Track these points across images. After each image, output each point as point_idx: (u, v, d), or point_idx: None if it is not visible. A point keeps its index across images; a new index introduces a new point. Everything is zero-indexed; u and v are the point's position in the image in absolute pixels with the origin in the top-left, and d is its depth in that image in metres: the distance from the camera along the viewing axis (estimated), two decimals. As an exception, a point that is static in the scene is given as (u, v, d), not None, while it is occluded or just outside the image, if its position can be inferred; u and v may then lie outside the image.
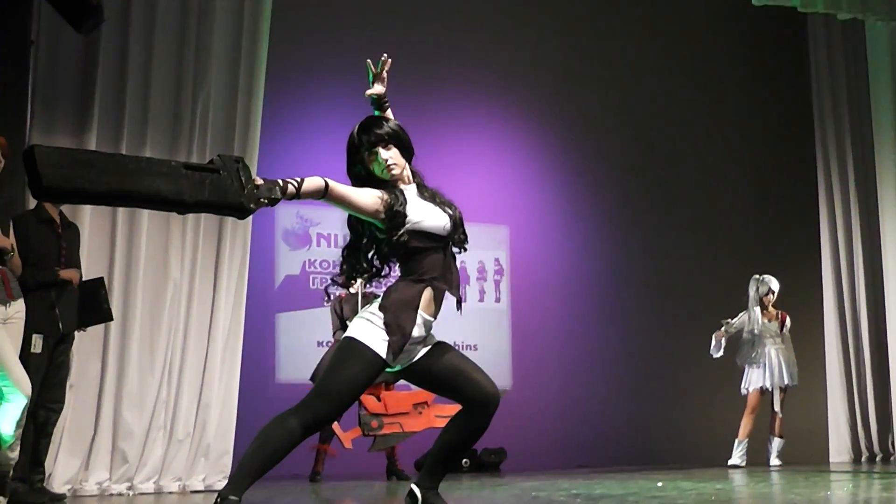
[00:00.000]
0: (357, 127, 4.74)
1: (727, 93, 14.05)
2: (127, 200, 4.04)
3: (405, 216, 4.51)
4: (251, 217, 8.53)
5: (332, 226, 12.10)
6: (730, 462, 11.00)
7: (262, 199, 4.17)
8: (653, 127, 13.61)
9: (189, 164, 4.15)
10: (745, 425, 11.16)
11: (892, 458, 11.71)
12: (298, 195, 4.27)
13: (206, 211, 4.27)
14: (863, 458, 12.06)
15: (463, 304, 4.73)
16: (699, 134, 13.81)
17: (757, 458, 11.17)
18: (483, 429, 4.63)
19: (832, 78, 12.65)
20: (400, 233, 4.49)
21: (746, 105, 14.07)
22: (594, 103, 13.35)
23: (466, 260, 12.57)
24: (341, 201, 4.42)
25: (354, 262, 4.70)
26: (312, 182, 4.29)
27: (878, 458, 11.98)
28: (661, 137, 13.63)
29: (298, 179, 4.25)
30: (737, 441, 11.10)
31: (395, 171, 4.67)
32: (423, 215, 4.55)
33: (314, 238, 12.09)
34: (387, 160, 4.65)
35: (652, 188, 13.49)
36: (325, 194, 4.34)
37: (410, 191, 4.64)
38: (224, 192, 4.10)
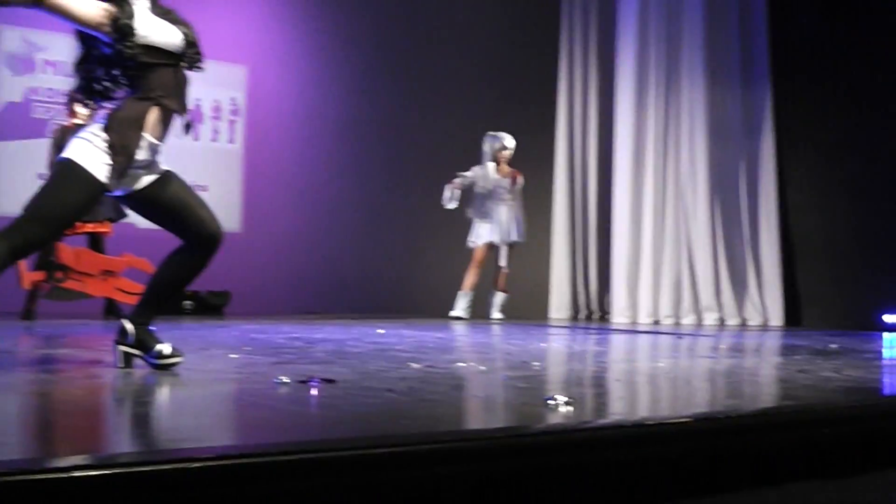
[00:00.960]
0: None
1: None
2: None
3: (133, 29, 4.23)
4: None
5: (61, 52, 11.56)
6: (452, 313, 11.15)
7: None
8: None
9: None
10: (470, 277, 11.31)
11: (607, 317, 12.11)
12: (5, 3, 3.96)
13: None
14: (580, 316, 12.45)
15: (192, 129, 4.51)
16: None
17: (480, 312, 11.37)
18: (202, 267, 4.46)
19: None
20: (128, 45, 4.20)
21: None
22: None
23: (201, 98, 12.23)
24: (58, 10, 4.11)
25: (86, 76, 4.33)
26: None
27: (594, 317, 12.38)
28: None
29: None
30: (461, 293, 11.25)
31: None
32: (153, 30, 4.28)
33: (39, 64, 11.54)
34: None
35: (396, 39, 13.35)
36: (37, 1, 4.03)
37: (142, 5, 4.35)
38: None
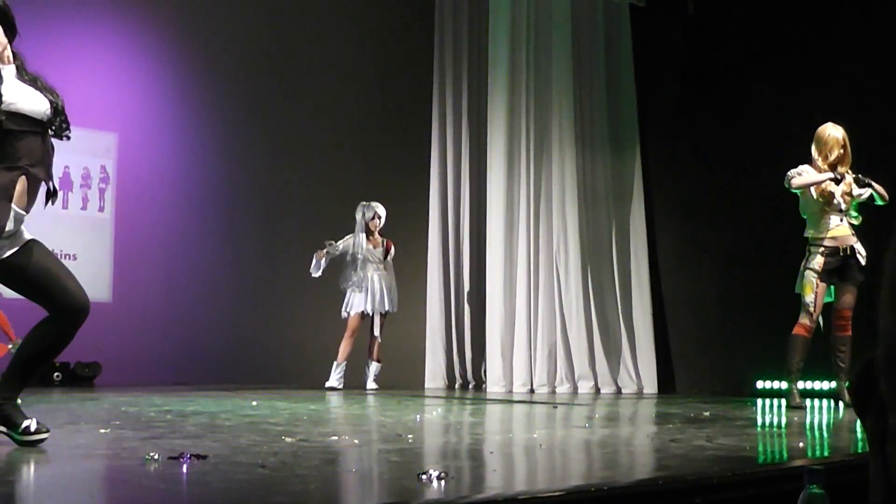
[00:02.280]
0: None
1: (347, 16, 14.02)
2: None
3: (0, 96, 4.14)
4: None
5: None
6: (327, 384, 11.07)
7: None
8: (270, 41, 13.41)
9: None
10: (344, 348, 11.26)
11: (483, 386, 12.12)
12: None
13: None
14: (456, 385, 12.44)
15: (55, 198, 4.41)
16: (316, 57, 13.71)
17: (355, 382, 11.30)
18: (68, 338, 4.35)
19: (455, 13, 12.96)
20: None
21: (369, 28, 14.08)
22: (213, 11, 13.03)
23: (70, 166, 12.05)
24: None
25: None
26: None
27: (470, 386, 12.39)
28: (281, 53, 13.46)
29: None
30: (335, 363, 11.19)
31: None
32: (20, 97, 4.19)
33: None
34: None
35: (267, 106, 13.31)
36: None
37: (9, 71, 4.28)
38: None
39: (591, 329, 11.85)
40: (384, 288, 11.33)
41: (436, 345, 12.55)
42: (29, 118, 4.22)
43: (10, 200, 4.15)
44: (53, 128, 4.34)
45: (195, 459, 3.74)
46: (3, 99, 4.13)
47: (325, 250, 11.25)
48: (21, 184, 4.18)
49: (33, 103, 4.24)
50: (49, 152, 4.34)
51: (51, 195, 4.38)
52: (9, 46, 4.35)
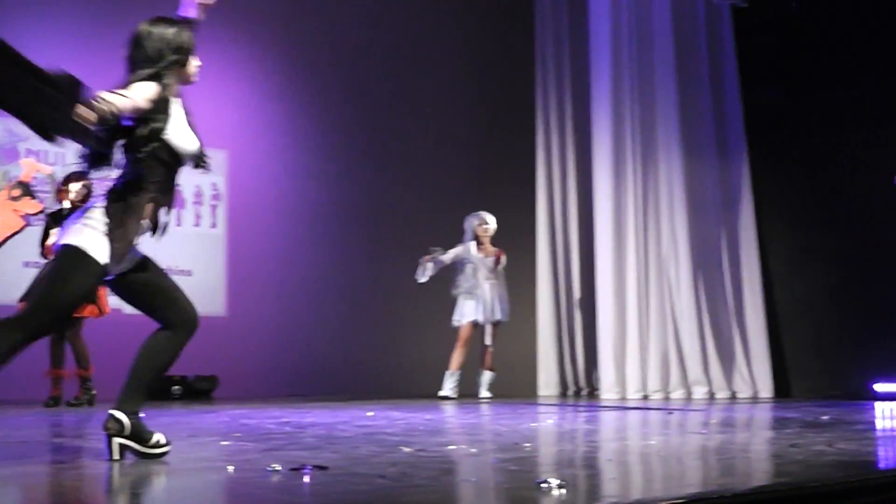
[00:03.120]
0: (188, 24, 4.57)
1: (450, 29, 14.07)
2: None
3: (162, 134, 4.32)
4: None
5: (42, 142, 11.60)
6: (441, 393, 11.12)
7: (71, 132, 4.09)
8: (377, 57, 13.53)
9: (39, 71, 4.02)
10: (457, 357, 11.30)
11: (596, 393, 12.07)
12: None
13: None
14: (569, 392, 12.42)
15: (166, 230, 4.52)
16: (420, 70, 13.79)
17: (467, 391, 11.34)
18: (179, 351, 4.46)
19: (555, 22, 12.95)
20: (153, 142, 4.29)
21: (470, 42, 14.13)
22: (320, 29, 13.18)
23: (183, 184, 12.25)
24: (130, 112, 4.22)
25: (98, 141, 4.29)
26: (124, 102, 4.12)
27: (583, 393, 12.35)
28: (386, 69, 13.56)
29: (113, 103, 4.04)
30: (448, 373, 11.23)
31: (196, 80, 4.59)
32: (180, 135, 4.39)
33: (22, 153, 11.57)
34: (198, 68, 4.60)
35: (373, 120, 13.42)
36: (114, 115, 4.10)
37: (177, 107, 4.42)
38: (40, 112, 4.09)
39: (704, 334, 11.75)
40: (495, 297, 11.35)
41: (548, 352, 12.55)
42: (177, 154, 4.38)
43: (141, 218, 4.31)
44: (199, 162, 4.50)
45: (316, 471, 3.79)
46: (167, 135, 4.33)
47: (430, 256, 11.31)
48: (149, 207, 4.33)
49: (188, 143, 4.42)
50: (174, 179, 4.47)
51: (162, 229, 4.49)
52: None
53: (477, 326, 11.35)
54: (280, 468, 3.81)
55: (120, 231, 4.26)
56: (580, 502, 3.20)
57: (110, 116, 4.03)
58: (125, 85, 4.30)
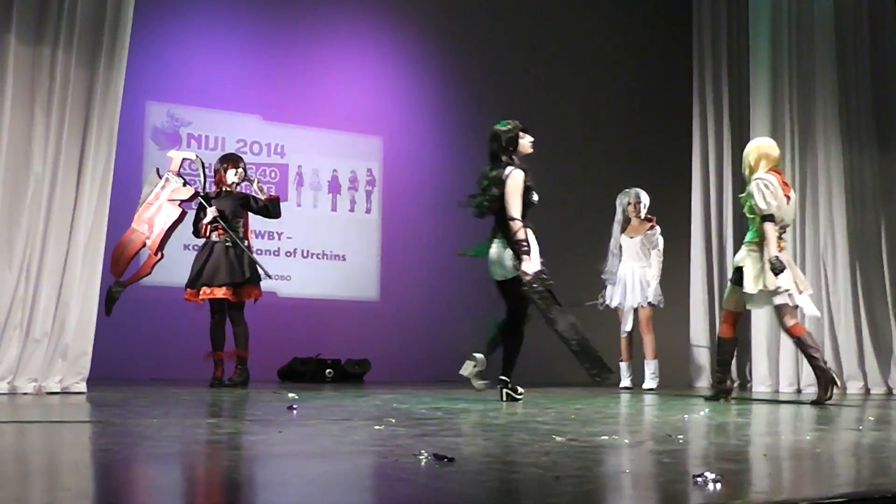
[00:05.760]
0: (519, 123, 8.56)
1: (606, 8, 14.02)
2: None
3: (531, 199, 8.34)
4: (118, 112, 8.36)
5: (204, 126, 11.89)
6: (620, 384, 11.21)
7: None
8: (530, 39, 13.54)
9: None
10: (624, 345, 11.35)
11: (748, 386, 11.94)
12: None
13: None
14: (720, 384, 12.28)
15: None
16: (574, 57, 13.77)
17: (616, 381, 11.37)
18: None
19: (713, 12, 12.79)
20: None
21: (625, 20, 14.07)
22: (472, 15, 13.24)
23: (339, 170, 12.44)
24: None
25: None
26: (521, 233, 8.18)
27: (736, 385, 12.21)
28: (539, 51, 13.57)
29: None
30: (620, 362, 11.29)
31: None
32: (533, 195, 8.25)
33: (184, 138, 11.85)
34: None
35: (526, 108, 13.42)
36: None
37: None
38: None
39: (860, 329, 11.53)
40: (641, 280, 11.24)
41: (700, 343, 12.43)
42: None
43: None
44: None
45: (463, 459, 3.82)
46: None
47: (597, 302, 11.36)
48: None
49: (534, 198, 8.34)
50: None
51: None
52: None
53: (628, 311, 11.34)
54: (431, 454, 3.84)
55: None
56: (735, 497, 3.18)
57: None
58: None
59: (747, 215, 8.89)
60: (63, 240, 8.23)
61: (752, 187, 8.73)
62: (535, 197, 8.25)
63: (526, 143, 8.47)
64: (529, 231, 8.15)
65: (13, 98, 7.96)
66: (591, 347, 8.03)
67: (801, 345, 8.71)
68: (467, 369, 8.21)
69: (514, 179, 8.17)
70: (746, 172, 9.00)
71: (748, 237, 8.77)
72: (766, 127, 11.76)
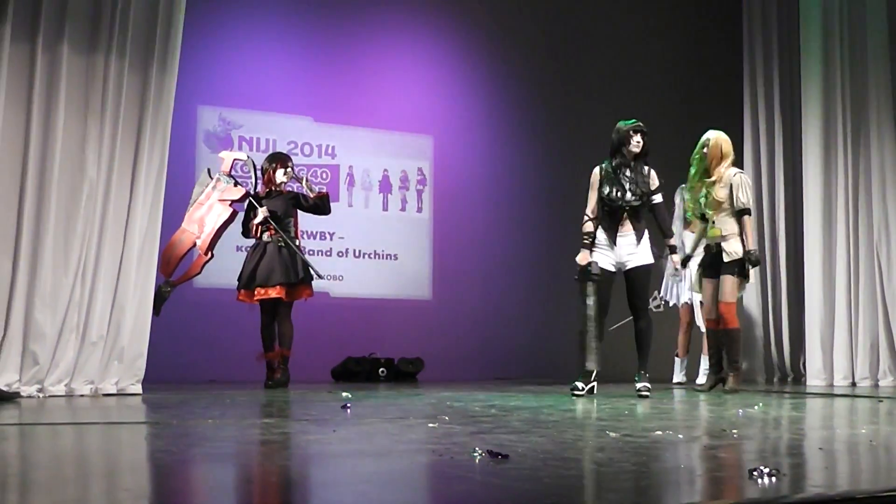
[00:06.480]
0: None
1: (654, 10, 13.98)
2: None
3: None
4: (170, 117, 8.43)
5: (255, 129, 11.96)
6: (674, 380, 11.18)
7: None
8: (578, 39, 13.54)
9: None
10: (682, 341, 11.31)
11: (802, 379, 11.87)
12: None
13: None
14: (775, 378, 12.22)
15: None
16: (623, 53, 13.74)
17: (666, 377, 11.33)
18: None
19: (763, 3, 12.72)
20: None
21: (675, 14, 14.02)
22: (521, 14, 13.25)
23: (389, 169, 12.48)
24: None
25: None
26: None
27: (790, 379, 12.15)
28: (586, 50, 13.56)
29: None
30: (676, 358, 11.25)
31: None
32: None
33: (236, 141, 11.93)
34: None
35: (574, 106, 13.43)
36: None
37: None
38: None
39: (917, 321, 11.42)
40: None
41: (754, 337, 12.36)
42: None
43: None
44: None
45: (518, 455, 3.83)
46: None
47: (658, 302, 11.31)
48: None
49: None
50: None
51: None
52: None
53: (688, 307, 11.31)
54: (487, 452, 3.85)
55: None
56: (792, 491, 3.17)
57: None
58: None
59: (707, 202, 9.56)
60: (118, 244, 8.31)
61: (738, 181, 9.43)
62: (606, 191, 9.10)
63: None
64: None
65: (66, 106, 8.03)
66: (587, 343, 8.70)
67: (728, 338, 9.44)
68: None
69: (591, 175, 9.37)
70: (712, 163, 9.74)
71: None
72: (818, 118, 11.68)
